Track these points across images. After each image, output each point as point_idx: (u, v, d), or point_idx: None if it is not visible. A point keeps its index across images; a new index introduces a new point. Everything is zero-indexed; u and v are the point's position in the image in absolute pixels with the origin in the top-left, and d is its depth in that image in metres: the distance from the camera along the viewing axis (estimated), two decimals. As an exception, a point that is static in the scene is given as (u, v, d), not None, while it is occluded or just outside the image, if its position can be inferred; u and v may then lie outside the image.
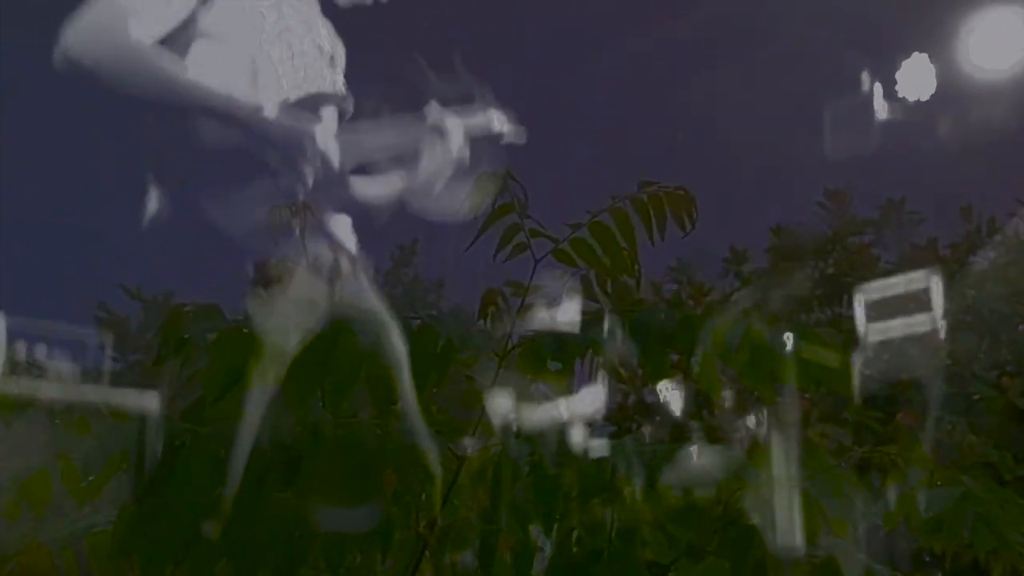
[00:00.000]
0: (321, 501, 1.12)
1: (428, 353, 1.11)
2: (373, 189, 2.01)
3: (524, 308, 1.28)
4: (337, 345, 1.07)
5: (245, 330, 1.07)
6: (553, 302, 1.31)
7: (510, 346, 1.23)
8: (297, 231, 1.47)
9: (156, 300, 7.05)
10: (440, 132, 2.01)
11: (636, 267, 1.32)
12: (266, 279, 1.33)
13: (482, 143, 1.93)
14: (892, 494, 1.45)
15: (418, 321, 1.14)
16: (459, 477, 1.22)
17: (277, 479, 1.10)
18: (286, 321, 1.10)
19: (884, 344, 4.68)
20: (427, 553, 1.22)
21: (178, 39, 1.93)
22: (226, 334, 1.08)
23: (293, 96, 1.99)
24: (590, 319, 1.27)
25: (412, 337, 1.11)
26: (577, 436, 1.27)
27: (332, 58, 2.16)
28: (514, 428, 1.25)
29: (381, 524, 1.15)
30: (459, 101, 2.06)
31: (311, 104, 1.98)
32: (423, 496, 1.19)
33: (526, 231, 1.28)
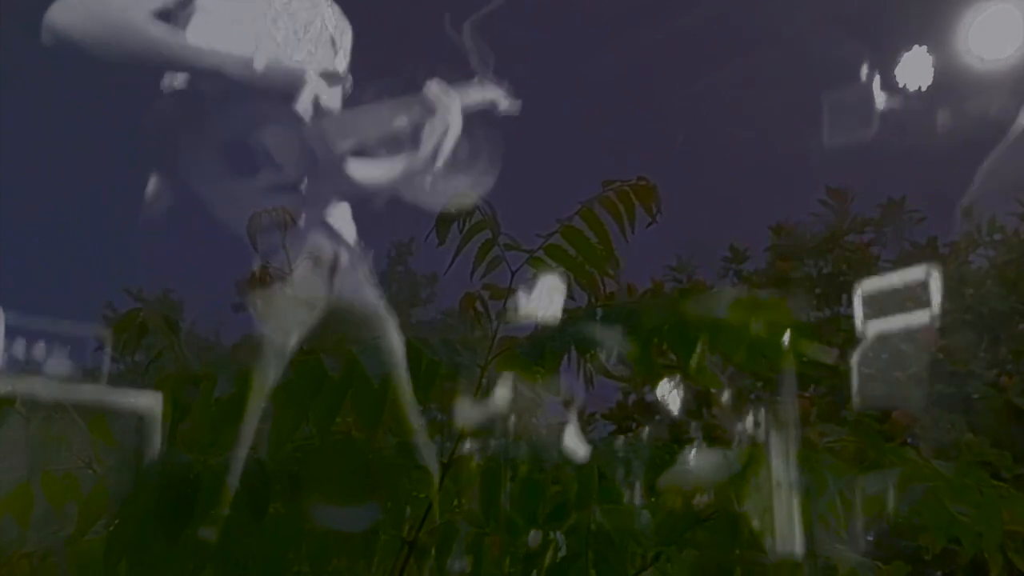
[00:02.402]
0: (319, 507, 1.12)
1: (411, 373, 1.12)
2: (371, 175, 2.01)
3: (503, 313, 1.29)
4: (324, 374, 1.08)
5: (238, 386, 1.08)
6: (536, 302, 1.32)
7: (491, 355, 1.24)
8: (281, 237, 1.47)
9: (157, 299, 7.03)
10: (439, 120, 2.00)
11: (612, 266, 1.34)
12: (252, 290, 1.33)
13: (479, 144, 1.92)
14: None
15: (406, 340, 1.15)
16: (454, 482, 1.23)
17: (275, 497, 1.11)
18: (278, 339, 1.11)
19: (883, 343, 4.67)
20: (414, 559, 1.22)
21: (176, 15, 1.92)
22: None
23: (295, 76, 1.98)
24: (570, 317, 1.28)
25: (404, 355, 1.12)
26: (565, 437, 1.27)
27: (333, 39, 2.15)
28: (499, 432, 1.25)
29: (366, 530, 1.16)
30: (458, 83, 2.06)
31: (313, 85, 1.97)
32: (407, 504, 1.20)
33: (500, 246, 1.30)
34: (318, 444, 1.13)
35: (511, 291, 1.30)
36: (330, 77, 2.00)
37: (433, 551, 1.23)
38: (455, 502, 1.29)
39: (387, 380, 1.08)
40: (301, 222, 1.59)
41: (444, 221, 1.34)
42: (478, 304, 1.37)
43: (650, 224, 1.35)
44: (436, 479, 1.15)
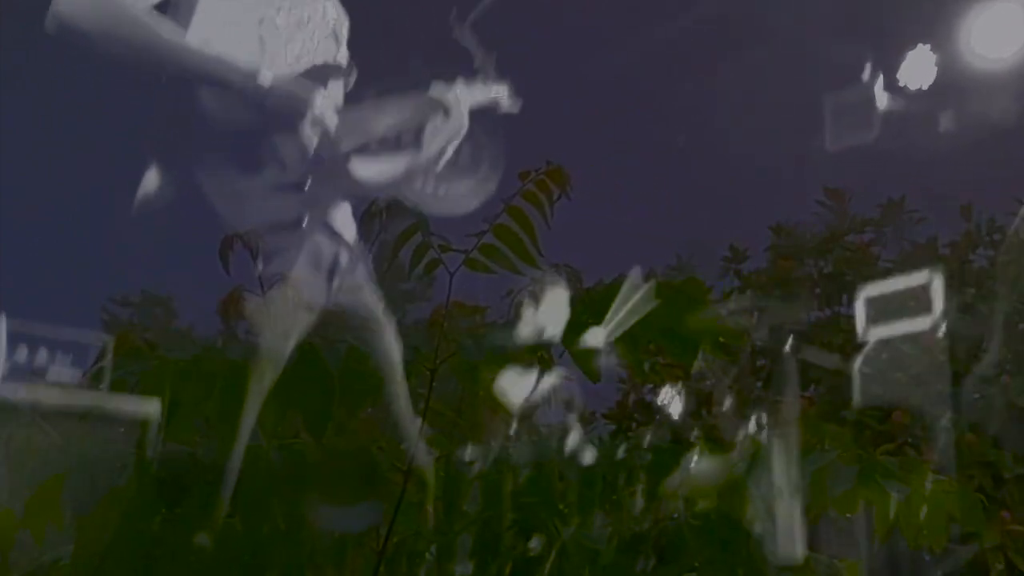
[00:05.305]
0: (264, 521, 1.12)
1: (358, 375, 1.13)
2: (373, 174, 2.00)
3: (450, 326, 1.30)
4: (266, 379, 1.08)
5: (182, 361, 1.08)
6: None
7: (438, 360, 1.24)
8: (259, 257, 1.47)
9: (146, 301, 7.03)
10: (444, 119, 2.00)
11: (540, 257, 1.35)
12: (229, 312, 1.34)
13: (482, 148, 1.92)
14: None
15: (347, 344, 1.15)
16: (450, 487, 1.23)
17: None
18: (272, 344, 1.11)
19: (883, 343, 4.67)
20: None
21: (178, 6, 1.91)
22: (157, 368, 1.10)
23: (298, 68, 1.97)
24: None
25: (342, 360, 1.12)
26: (539, 439, 1.28)
27: (335, 32, 2.14)
28: (461, 437, 1.26)
29: (335, 542, 1.16)
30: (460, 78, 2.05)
31: (316, 77, 1.96)
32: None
33: (435, 247, 1.31)
34: (264, 448, 1.13)
35: (480, 308, 1.31)
36: (334, 70, 1.99)
37: (404, 560, 1.24)
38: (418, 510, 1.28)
39: (331, 383, 1.08)
40: (303, 223, 1.58)
41: (367, 220, 1.35)
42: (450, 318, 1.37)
43: (559, 198, 1.37)
44: (392, 487, 1.15)
